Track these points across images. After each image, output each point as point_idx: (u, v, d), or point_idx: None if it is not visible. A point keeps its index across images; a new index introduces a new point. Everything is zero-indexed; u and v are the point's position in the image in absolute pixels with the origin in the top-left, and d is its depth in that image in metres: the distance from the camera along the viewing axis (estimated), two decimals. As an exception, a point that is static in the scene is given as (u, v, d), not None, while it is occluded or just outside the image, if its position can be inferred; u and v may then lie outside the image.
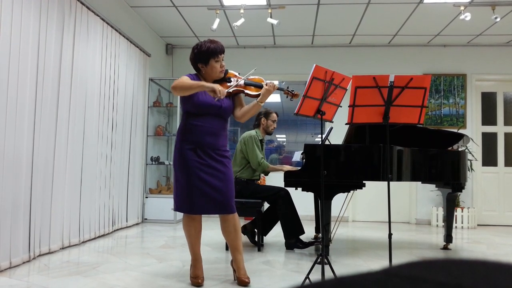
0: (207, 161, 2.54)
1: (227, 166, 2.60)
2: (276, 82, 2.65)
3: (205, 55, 2.57)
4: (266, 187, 4.00)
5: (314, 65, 2.59)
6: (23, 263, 3.04)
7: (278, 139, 6.76)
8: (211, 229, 4.85)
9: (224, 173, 2.57)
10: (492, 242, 4.56)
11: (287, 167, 3.79)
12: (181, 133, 2.60)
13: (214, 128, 2.58)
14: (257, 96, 2.60)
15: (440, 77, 6.21)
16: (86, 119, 3.96)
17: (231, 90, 2.58)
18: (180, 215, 5.61)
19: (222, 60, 2.62)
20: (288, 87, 2.71)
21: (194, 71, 2.70)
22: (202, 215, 2.71)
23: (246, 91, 2.64)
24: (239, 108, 2.71)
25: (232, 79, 2.67)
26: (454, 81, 6.20)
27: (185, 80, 2.46)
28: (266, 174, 4.08)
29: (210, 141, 2.55)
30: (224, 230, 2.68)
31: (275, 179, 5.41)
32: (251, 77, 2.71)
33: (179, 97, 2.88)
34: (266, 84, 2.55)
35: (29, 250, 3.14)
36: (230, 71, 2.72)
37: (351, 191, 3.46)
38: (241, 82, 2.65)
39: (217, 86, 2.34)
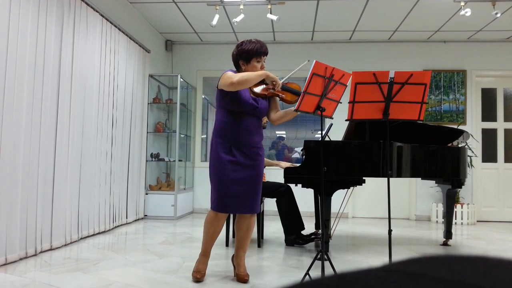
0: (240, 159, 2.55)
1: (258, 166, 2.62)
2: None
3: (248, 53, 2.60)
4: (267, 183, 4.00)
5: (314, 61, 2.58)
6: (20, 259, 3.05)
7: (278, 136, 6.75)
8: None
9: (254, 175, 2.59)
10: (491, 238, 4.57)
11: (284, 164, 3.75)
12: (218, 132, 2.60)
13: (250, 126, 2.59)
14: (292, 102, 2.60)
15: (440, 73, 6.20)
16: (85, 115, 3.95)
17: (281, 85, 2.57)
18: (180, 212, 5.63)
19: (264, 61, 2.65)
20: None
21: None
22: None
23: (282, 95, 2.62)
24: (274, 111, 2.74)
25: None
26: (454, 77, 6.19)
27: (238, 73, 2.47)
28: None
29: (246, 139, 2.58)
30: (238, 224, 2.73)
31: (276, 176, 5.41)
32: (289, 81, 2.69)
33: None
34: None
35: (27, 247, 3.14)
36: None
37: (351, 188, 3.47)
38: (285, 80, 2.63)
39: (277, 79, 2.43)
